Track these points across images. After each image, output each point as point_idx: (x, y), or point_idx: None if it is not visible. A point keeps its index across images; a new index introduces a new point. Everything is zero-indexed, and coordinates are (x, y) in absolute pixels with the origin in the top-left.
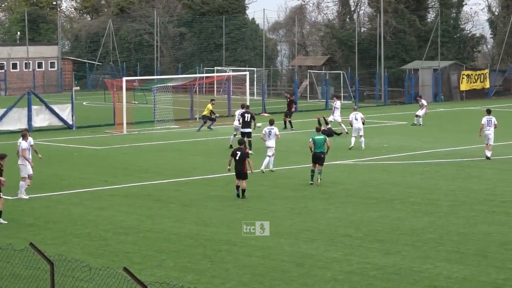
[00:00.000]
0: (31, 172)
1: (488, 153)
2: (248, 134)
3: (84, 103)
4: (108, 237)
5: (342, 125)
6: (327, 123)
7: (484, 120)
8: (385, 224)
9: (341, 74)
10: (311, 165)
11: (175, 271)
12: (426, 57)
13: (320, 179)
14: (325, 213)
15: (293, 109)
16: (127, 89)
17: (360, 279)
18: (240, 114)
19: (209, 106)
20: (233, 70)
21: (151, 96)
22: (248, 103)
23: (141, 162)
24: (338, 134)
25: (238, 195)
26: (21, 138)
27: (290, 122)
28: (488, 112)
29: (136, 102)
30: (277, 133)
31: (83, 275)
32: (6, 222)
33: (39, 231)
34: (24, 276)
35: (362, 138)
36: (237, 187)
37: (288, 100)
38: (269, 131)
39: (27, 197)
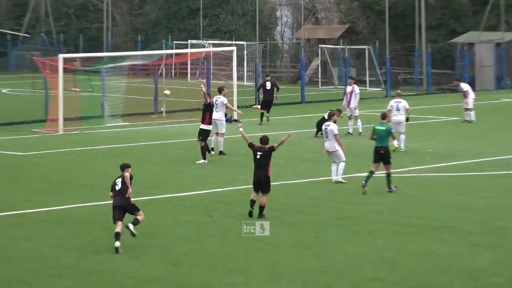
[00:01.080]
0: None
1: None
2: None
3: (4, 90)
4: (33, 282)
5: (359, 120)
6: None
7: None
8: (431, 263)
9: (366, 50)
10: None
11: None
12: (484, 27)
13: (391, 188)
14: (345, 247)
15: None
16: (65, 71)
17: None
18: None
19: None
20: (214, 45)
21: (99, 82)
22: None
23: (83, 174)
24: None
25: (250, 213)
26: None
27: (262, 114)
28: None
29: (78, 90)
30: (335, 132)
31: None
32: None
33: None
34: None
35: (402, 136)
36: (252, 201)
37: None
38: (325, 129)
39: None
